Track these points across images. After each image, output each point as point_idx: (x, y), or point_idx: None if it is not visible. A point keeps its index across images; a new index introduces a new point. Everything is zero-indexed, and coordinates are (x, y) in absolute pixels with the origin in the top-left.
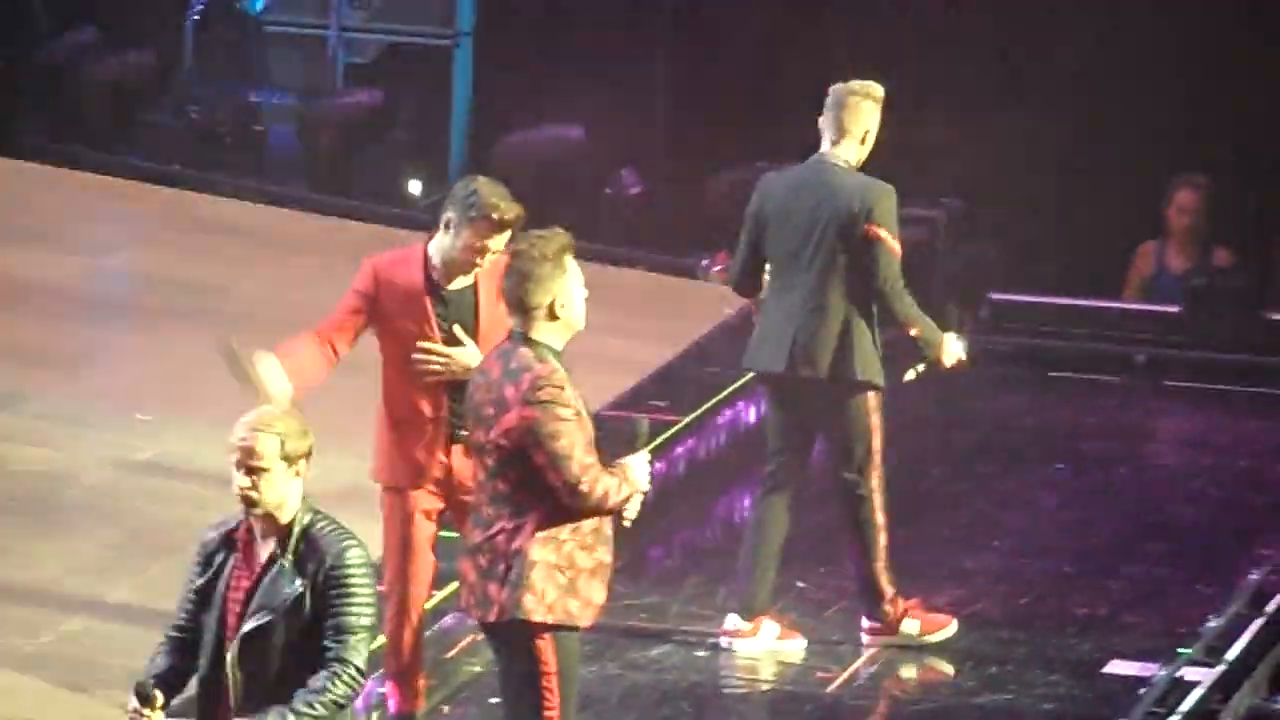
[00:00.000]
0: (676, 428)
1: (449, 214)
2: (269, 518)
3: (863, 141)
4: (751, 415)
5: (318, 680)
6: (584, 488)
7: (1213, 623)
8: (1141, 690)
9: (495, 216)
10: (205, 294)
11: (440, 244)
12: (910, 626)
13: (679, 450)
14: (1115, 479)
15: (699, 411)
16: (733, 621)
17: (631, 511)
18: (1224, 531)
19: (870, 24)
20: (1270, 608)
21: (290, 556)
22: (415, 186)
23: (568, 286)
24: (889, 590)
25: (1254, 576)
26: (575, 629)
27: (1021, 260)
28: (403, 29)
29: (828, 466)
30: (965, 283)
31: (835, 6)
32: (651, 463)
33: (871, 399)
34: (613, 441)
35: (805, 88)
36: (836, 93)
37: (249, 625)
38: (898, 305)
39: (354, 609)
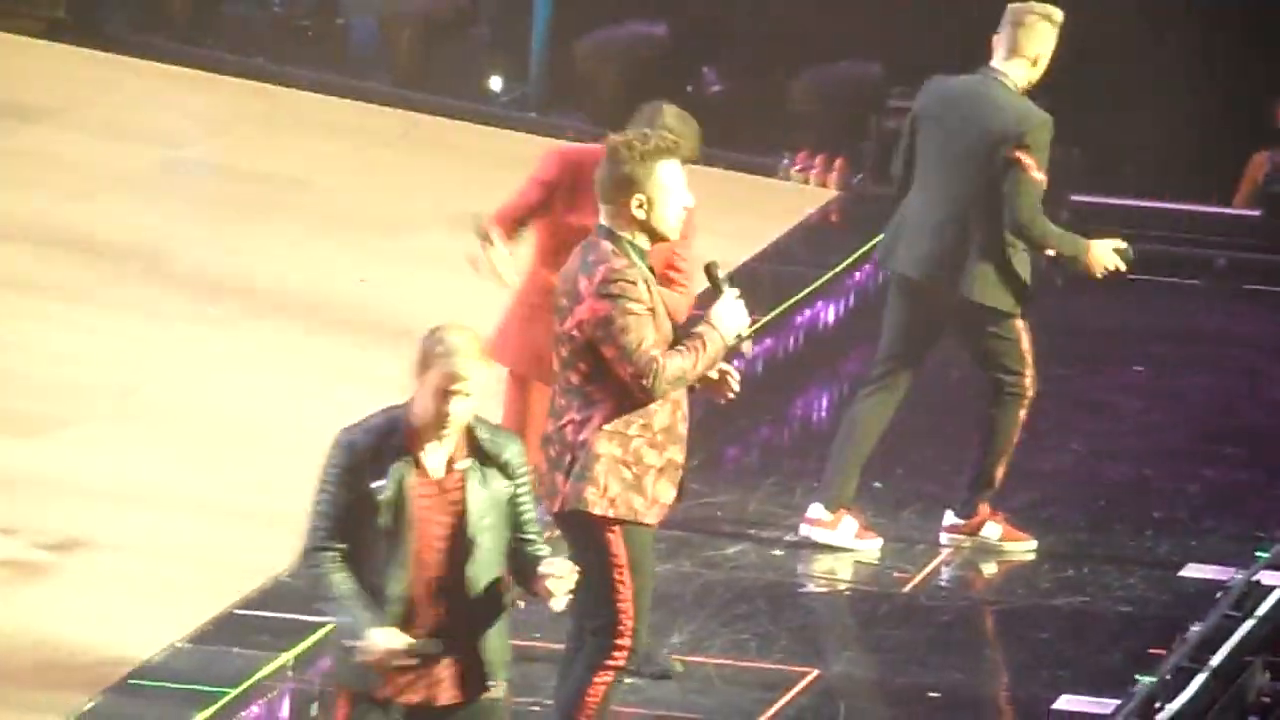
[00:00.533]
0: (755, 326)
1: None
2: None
3: (1035, 64)
4: (830, 315)
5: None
6: (652, 380)
7: None
8: (1218, 594)
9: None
10: (284, 187)
11: None
12: (991, 530)
13: (757, 350)
14: (1193, 383)
15: (778, 310)
16: (815, 511)
17: (733, 383)
18: None
19: None
20: None
21: (476, 459)
22: (496, 82)
23: (655, 189)
24: (993, 490)
25: None
26: (640, 524)
27: (1107, 163)
28: None
29: (958, 372)
30: (1048, 184)
31: None
32: (739, 298)
33: (1005, 317)
34: None
35: None
36: (1015, 11)
37: (472, 533)
38: (1030, 232)
39: (532, 500)
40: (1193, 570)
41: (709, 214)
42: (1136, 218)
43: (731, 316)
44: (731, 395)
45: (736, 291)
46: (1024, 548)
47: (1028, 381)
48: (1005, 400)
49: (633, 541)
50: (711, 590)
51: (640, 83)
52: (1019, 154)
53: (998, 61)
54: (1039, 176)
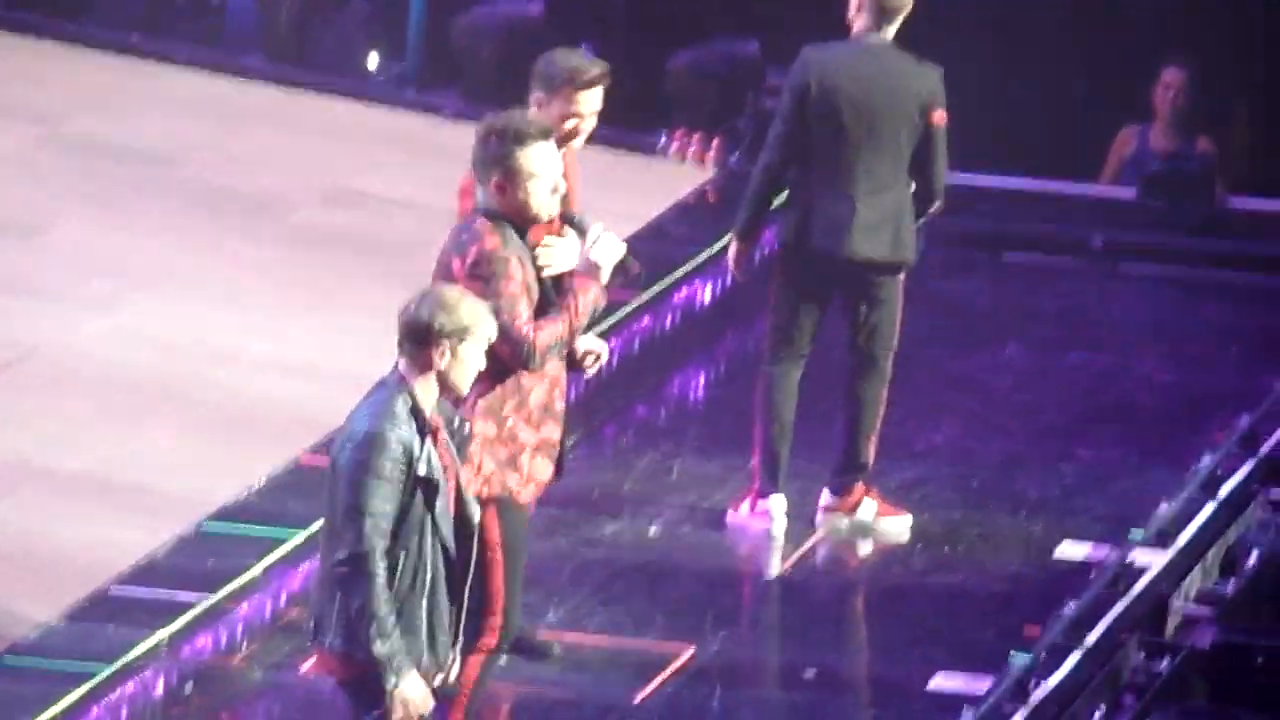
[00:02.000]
0: (632, 305)
1: (536, 93)
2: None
3: (903, 14)
4: (707, 294)
5: None
6: (528, 354)
7: (1164, 507)
8: (1092, 574)
9: (578, 78)
10: (159, 164)
11: None
12: (867, 509)
13: (635, 328)
14: (1068, 362)
15: (655, 290)
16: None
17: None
18: (1176, 416)
19: None
20: (1221, 492)
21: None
22: (373, 60)
23: (520, 169)
24: (867, 468)
25: (1206, 460)
26: (515, 504)
27: (982, 142)
28: None
29: (852, 343)
30: None
31: None
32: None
33: (903, 280)
34: None
35: None
36: None
37: (466, 492)
38: (942, 184)
39: None
40: (1066, 549)
41: (587, 192)
42: (1011, 197)
43: (604, 251)
44: (591, 369)
45: (600, 225)
46: (900, 524)
47: (892, 359)
48: (874, 377)
49: (507, 520)
50: (588, 569)
51: (516, 61)
52: (938, 112)
53: (867, 29)
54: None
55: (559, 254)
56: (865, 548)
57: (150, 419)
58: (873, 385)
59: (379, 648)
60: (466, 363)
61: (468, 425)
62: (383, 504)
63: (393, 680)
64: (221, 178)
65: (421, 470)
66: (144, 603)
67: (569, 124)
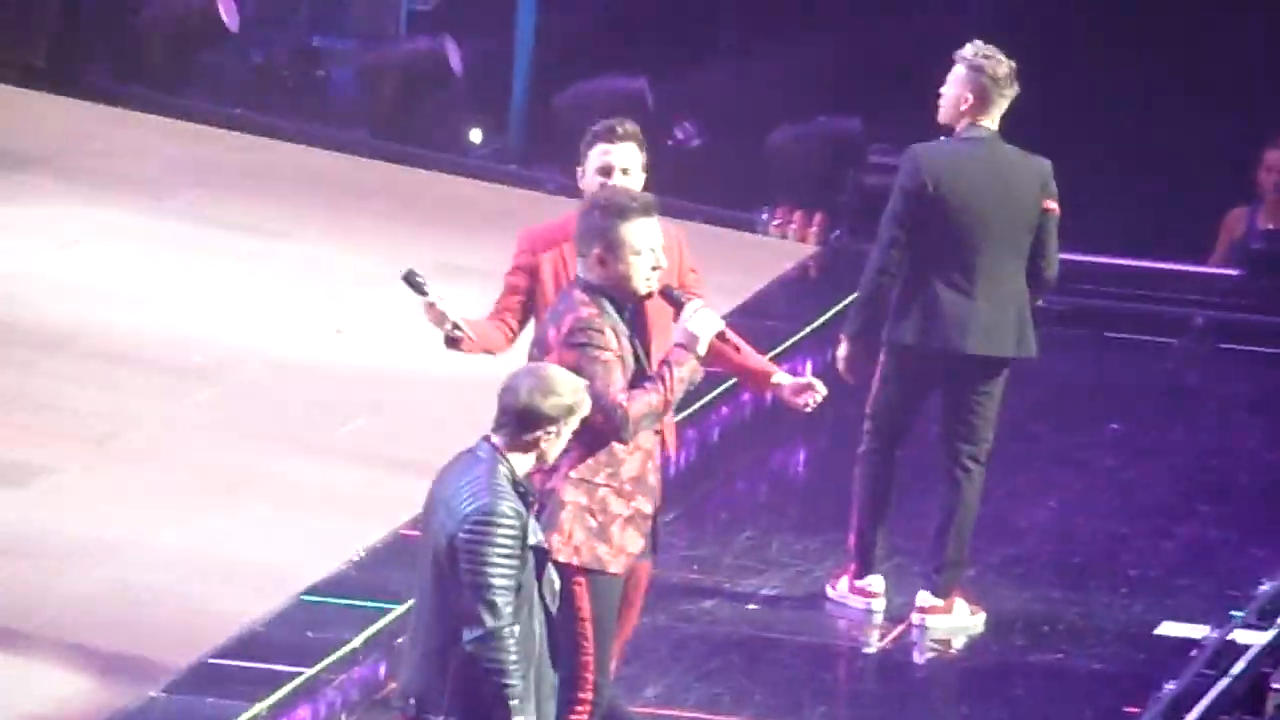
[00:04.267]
0: (733, 380)
1: (579, 167)
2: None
3: (1003, 109)
4: (808, 370)
5: None
6: (620, 424)
7: (1265, 586)
8: (1193, 652)
9: (603, 128)
10: (265, 238)
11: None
12: (961, 610)
13: (735, 403)
14: (1170, 440)
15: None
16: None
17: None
18: (1278, 495)
19: None
20: None
21: None
22: (476, 135)
23: (622, 242)
24: (964, 566)
25: None
26: (605, 574)
27: (1086, 221)
28: None
29: (950, 434)
30: None
31: None
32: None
33: (1002, 374)
34: None
35: (872, 42)
36: (1004, 74)
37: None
38: (1054, 271)
39: None
40: (1167, 628)
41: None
42: (1114, 275)
43: (700, 325)
44: (811, 405)
45: (699, 302)
46: (980, 621)
47: (984, 461)
48: (969, 480)
49: (597, 592)
50: (686, 644)
51: None
52: (1049, 203)
53: (971, 123)
54: None
55: (702, 320)
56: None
57: (249, 491)
58: (973, 484)
59: None
60: (563, 439)
61: (551, 493)
62: (509, 579)
63: None
64: (323, 251)
65: (532, 539)
66: (243, 674)
67: (605, 179)
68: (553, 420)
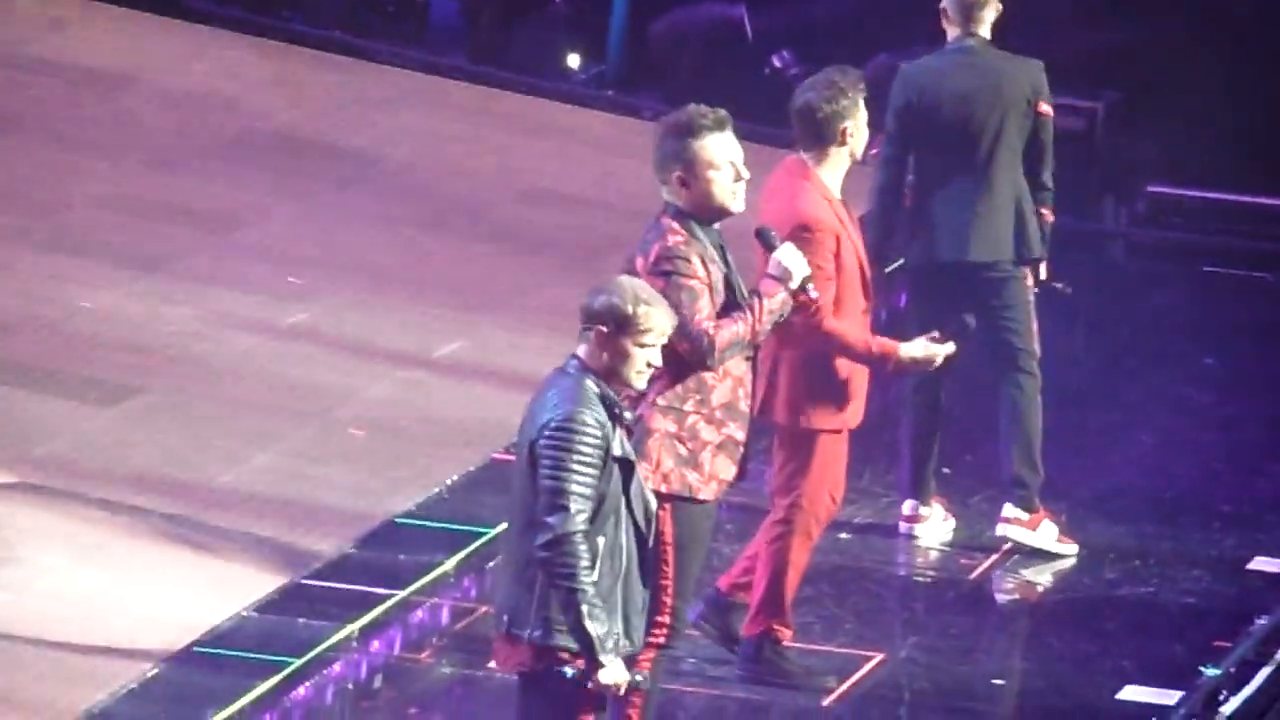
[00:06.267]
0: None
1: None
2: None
3: (995, 23)
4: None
5: None
6: (706, 352)
7: None
8: None
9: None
10: (360, 161)
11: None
12: (1047, 531)
13: None
14: (1265, 376)
15: None
16: (916, 509)
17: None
18: None
19: None
20: None
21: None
22: (574, 60)
23: (698, 159)
24: (1039, 473)
25: None
26: (695, 500)
27: (1183, 155)
28: None
29: (993, 350)
30: (1123, 176)
31: None
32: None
33: (1029, 277)
34: None
35: None
36: None
37: (645, 485)
38: (1051, 179)
39: None
40: (1260, 563)
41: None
42: (1212, 210)
43: (789, 265)
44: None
45: (791, 245)
46: (1070, 551)
47: (1036, 362)
48: (1025, 381)
49: (683, 519)
50: None
51: (717, 64)
52: (1042, 105)
53: (961, 34)
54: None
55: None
56: (1056, 560)
57: (344, 413)
58: (1025, 395)
59: (593, 627)
60: (634, 359)
61: (639, 420)
62: (587, 486)
63: (606, 659)
64: (420, 176)
65: (617, 450)
66: (335, 595)
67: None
68: (603, 319)
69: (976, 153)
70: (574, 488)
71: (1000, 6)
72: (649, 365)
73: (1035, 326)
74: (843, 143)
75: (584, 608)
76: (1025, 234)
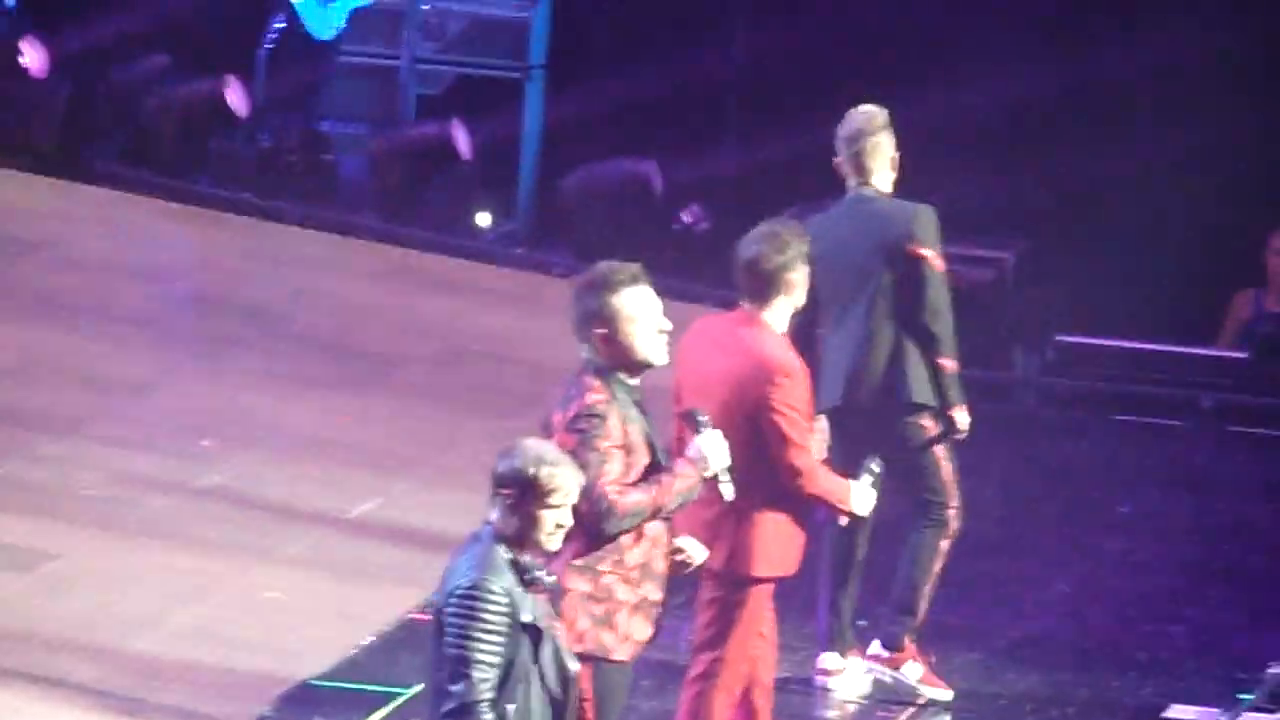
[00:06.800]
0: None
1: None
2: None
3: (891, 167)
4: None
5: None
6: (603, 516)
7: (1275, 669)
8: None
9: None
10: (273, 321)
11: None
12: (913, 670)
13: None
14: (1179, 523)
15: None
16: (833, 661)
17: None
18: None
19: (928, 54)
20: None
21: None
22: (484, 218)
23: (617, 314)
24: (918, 620)
25: None
26: (610, 661)
27: (1093, 304)
28: (474, 61)
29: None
30: (1033, 325)
31: (899, 50)
32: (720, 439)
33: (928, 422)
34: None
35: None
36: (852, 135)
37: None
38: (941, 329)
39: None
40: (1176, 712)
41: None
42: (1121, 358)
43: (709, 454)
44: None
45: (718, 433)
46: (940, 695)
47: (954, 506)
48: (924, 524)
49: (598, 677)
50: None
51: (627, 219)
52: (914, 248)
53: (856, 184)
54: (939, 264)
55: (717, 447)
56: (975, 708)
57: (257, 575)
58: (924, 534)
59: None
60: (542, 522)
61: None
62: (491, 654)
63: None
64: (332, 335)
65: (526, 618)
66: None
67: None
68: (508, 485)
69: (859, 299)
70: (478, 656)
71: (895, 155)
72: (558, 526)
73: (948, 473)
74: (789, 293)
75: None
76: (906, 380)
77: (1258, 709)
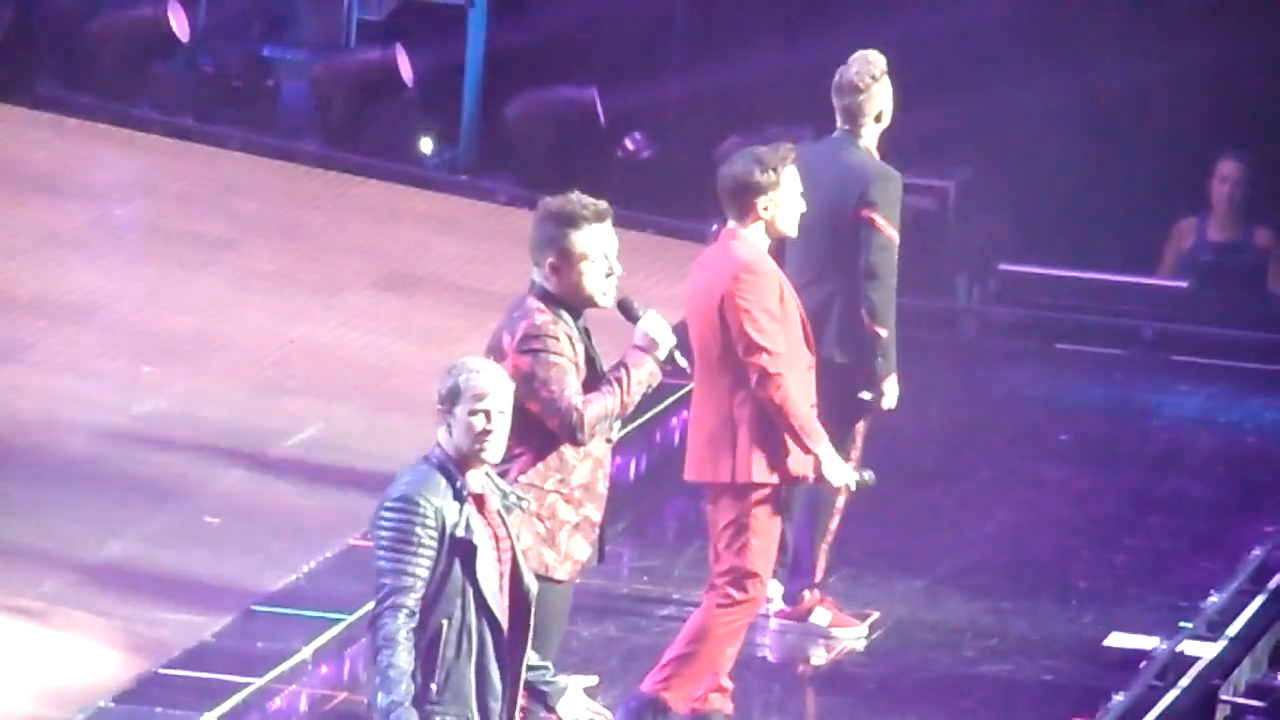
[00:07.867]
0: (684, 390)
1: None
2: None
3: (878, 120)
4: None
5: None
6: (576, 426)
7: (1215, 598)
8: (1142, 664)
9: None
10: (213, 247)
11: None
12: (820, 617)
13: (679, 419)
14: (1120, 453)
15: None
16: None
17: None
18: (1228, 507)
19: None
20: (1272, 584)
21: (500, 495)
22: (427, 144)
23: (572, 251)
24: (817, 575)
25: (1257, 552)
26: (552, 580)
27: (1035, 233)
28: None
29: None
30: (975, 254)
31: None
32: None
33: (843, 382)
34: None
35: (821, 53)
36: (849, 78)
37: (523, 571)
38: (876, 294)
39: None
40: (1117, 640)
41: (640, 277)
42: (1064, 287)
43: (654, 335)
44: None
45: (653, 312)
46: (854, 634)
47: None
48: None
49: (542, 598)
50: (636, 655)
51: (570, 146)
52: (865, 212)
53: (845, 130)
54: (891, 234)
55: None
56: (914, 637)
57: (200, 501)
58: (822, 493)
59: (379, 698)
60: (466, 428)
61: (526, 500)
62: (412, 564)
63: None
64: (274, 261)
65: (460, 532)
66: (193, 684)
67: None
68: (441, 400)
69: (810, 243)
70: (398, 565)
71: (886, 108)
72: (487, 432)
73: (859, 431)
74: (758, 217)
75: (377, 679)
76: (825, 336)
77: (1198, 637)
